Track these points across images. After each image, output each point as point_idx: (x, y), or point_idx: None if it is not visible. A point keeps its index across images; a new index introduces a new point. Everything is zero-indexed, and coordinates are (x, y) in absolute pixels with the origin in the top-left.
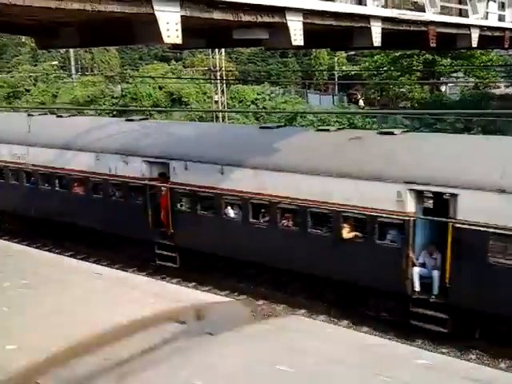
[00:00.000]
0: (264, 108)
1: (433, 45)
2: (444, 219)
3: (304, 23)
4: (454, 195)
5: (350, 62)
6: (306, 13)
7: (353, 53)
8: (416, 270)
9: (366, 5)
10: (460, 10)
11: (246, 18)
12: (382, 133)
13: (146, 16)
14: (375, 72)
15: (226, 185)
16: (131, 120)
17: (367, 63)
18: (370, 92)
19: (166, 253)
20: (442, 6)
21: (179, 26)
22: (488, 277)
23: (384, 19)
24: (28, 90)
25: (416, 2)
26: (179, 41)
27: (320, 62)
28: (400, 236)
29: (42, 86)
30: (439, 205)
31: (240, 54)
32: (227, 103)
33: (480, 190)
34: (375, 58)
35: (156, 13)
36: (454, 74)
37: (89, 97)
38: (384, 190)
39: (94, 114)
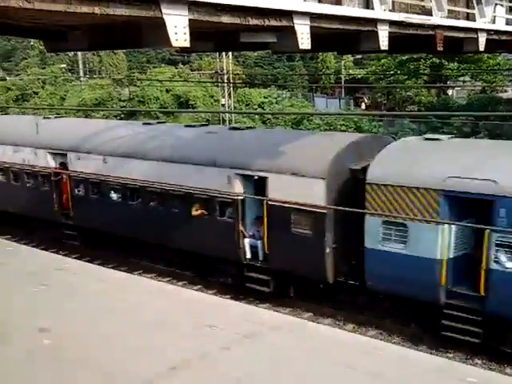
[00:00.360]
0: (271, 111)
1: (440, 49)
2: (260, 197)
3: (311, 27)
4: (265, 178)
5: (356, 66)
6: (314, 16)
7: (360, 56)
8: (246, 241)
9: (373, 9)
10: (467, 13)
11: (253, 21)
12: (232, 128)
13: (155, 19)
14: (382, 76)
15: (108, 172)
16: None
17: (374, 67)
18: (377, 96)
19: (70, 232)
20: (449, 10)
21: (187, 30)
22: (292, 244)
23: (391, 23)
24: (36, 93)
25: (423, 6)
26: (187, 44)
27: (327, 65)
28: (232, 213)
29: (50, 88)
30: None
31: (247, 58)
32: (234, 106)
33: (280, 173)
34: (382, 61)
35: (164, 16)
36: (461, 78)
37: (97, 99)
38: (219, 175)
39: (102, 117)
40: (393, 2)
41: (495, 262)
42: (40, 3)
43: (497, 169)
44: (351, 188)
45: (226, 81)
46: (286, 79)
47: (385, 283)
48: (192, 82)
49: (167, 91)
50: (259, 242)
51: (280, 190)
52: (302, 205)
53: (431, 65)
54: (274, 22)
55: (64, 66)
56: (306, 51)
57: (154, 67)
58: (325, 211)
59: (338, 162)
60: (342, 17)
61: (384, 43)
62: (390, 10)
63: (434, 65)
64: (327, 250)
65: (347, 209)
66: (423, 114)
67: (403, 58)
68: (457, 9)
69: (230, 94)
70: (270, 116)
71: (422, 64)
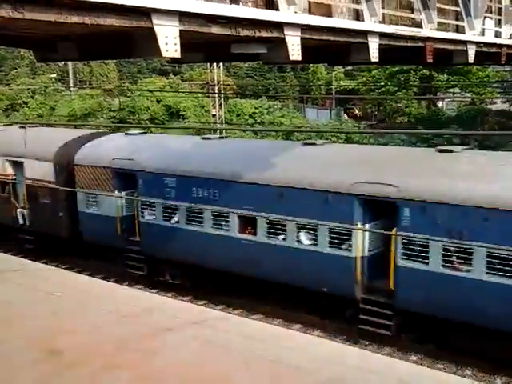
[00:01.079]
0: (262, 122)
1: (430, 60)
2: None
3: (302, 38)
4: (22, 162)
5: (347, 77)
6: (304, 28)
7: (350, 68)
8: (19, 211)
9: (363, 20)
10: (457, 26)
11: (244, 32)
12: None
13: (145, 30)
14: (372, 87)
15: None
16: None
17: (364, 78)
18: (367, 106)
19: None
20: (438, 22)
21: (178, 41)
22: (41, 211)
23: (382, 35)
24: (26, 103)
25: (413, 18)
26: (178, 55)
27: (317, 76)
28: (9, 190)
29: (40, 98)
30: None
31: (238, 69)
32: (225, 117)
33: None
34: (373, 72)
35: (155, 27)
36: (451, 90)
37: (86, 110)
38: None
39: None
40: (383, 14)
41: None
42: (30, 13)
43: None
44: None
45: (217, 91)
46: (277, 90)
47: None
48: (183, 92)
49: (158, 102)
50: (25, 211)
51: (32, 171)
52: (40, 181)
53: (421, 76)
54: (264, 34)
55: (54, 75)
56: (296, 62)
57: (144, 77)
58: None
59: (64, 150)
60: (333, 28)
61: (374, 55)
62: (380, 22)
63: (424, 76)
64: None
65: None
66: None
67: (393, 69)
68: (446, 21)
69: (220, 105)
70: (261, 127)
71: (412, 75)
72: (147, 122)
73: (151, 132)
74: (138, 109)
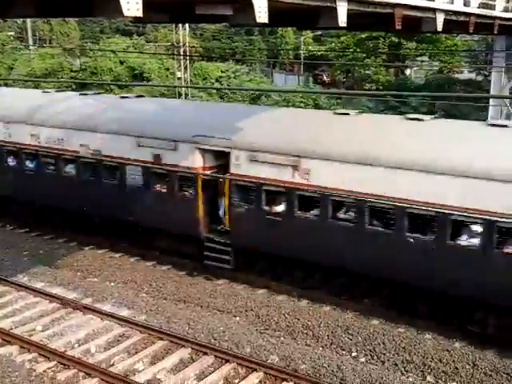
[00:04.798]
0: (228, 86)
1: (398, 27)
2: None
3: (269, 1)
4: None
5: (316, 42)
6: None
7: (319, 33)
8: None
9: None
10: None
11: None
12: None
13: None
14: (341, 53)
15: None
16: None
17: (333, 44)
18: (336, 73)
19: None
20: None
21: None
22: None
23: (350, 0)
24: None
25: None
26: (140, 14)
27: (286, 41)
28: None
29: None
30: None
31: (205, 31)
32: (190, 80)
33: None
34: (341, 38)
35: None
36: (419, 58)
37: (47, 69)
38: None
39: (52, 87)
40: None
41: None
42: None
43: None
44: None
45: (182, 54)
46: (245, 54)
47: None
48: (147, 53)
49: (121, 63)
50: None
51: None
52: None
53: (390, 44)
54: None
55: (12, 33)
56: (263, 25)
57: (107, 38)
58: None
59: None
60: None
61: (343, 20)
62: None
63: (393, 44)
64: None
65: None
66: (380, 94)
67: (362, 36)
68: None
69: (186, 68)
70: (227, 91)
71: (381, 43)
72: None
73: (114, 93)
74: (101, 70)
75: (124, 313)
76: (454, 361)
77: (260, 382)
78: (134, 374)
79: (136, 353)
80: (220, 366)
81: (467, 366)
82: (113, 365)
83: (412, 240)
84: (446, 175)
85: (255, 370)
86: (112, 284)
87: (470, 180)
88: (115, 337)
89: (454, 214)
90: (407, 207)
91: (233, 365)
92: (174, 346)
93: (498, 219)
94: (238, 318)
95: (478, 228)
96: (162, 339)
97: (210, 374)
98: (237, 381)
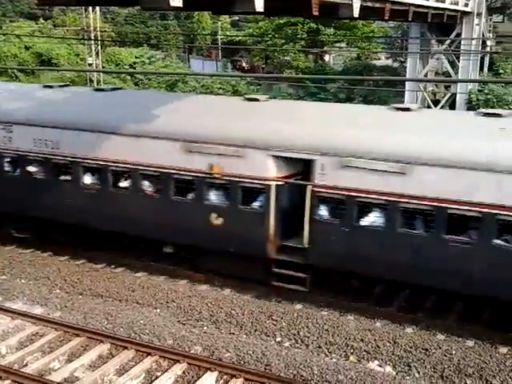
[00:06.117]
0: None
1: (315, 13)
2: None
3: None
4: None
5: (234, 28)
6: None
7: (237, 18)
8: None
9: None
10: None
11: None
12: None
13: None
14: (260, 39)
15: None
16: None
17: (251, 29)
18: (255, 59)
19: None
20: None
21: None
22: None
23: None
24: None
25: None
26: None
27: (203, 26)
28: None
29: None
30: None
31: (117, 15)
32: (102, 66)
33: None
34: (260, 24)
35: None
36: (338, 45)
37: None
38: None
39: None
40: None
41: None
42: None
43: None
44: None
45: (93, 38)
46: (160, 39)
47: None
48: (55, 38)
49: (27, 48)
50: None
51: None
52: None
53: (308, 30)
54: None
55: None
56: (177, 9)
57: (10, 21)
58: None
59: None
60: None
61: (259, 5)
62: None
63: (311, 30)
64: None
65: None
66: (300, 78)
67: (281, 21)
68: None
69: (97, 53)
70: (142, 77)
71: (300, 29)
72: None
73: (19, 81)
74: (4, 56)
75: (37, 310)
76: (375, 339)
77: (183, 372)
78: (50, 373)
79: (51, 351)
80: (141, 359)
81: (388, 344)
82: (26, 365)
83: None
84: None
85: (178, 361)
86: (23, 281)
87: None
88: (28, 336)
89: None
90: None
91: (155, 357)
92: (92, 342)
93: None
94: (158, 310)
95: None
96: (78, 336)
97: (131, 368)
98: (159, 373)
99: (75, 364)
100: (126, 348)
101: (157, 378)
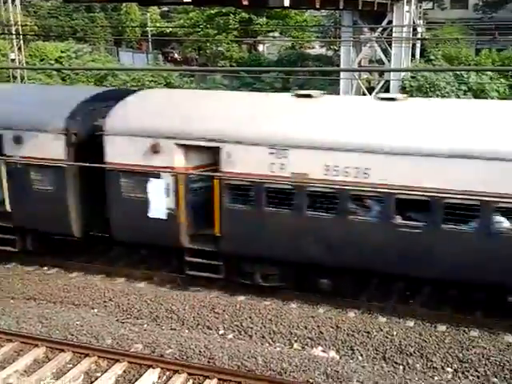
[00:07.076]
0: (70, 66)
1: (245, 3)
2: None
3: None
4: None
5: (163, 19)
6: None
7: (166, 9)
8: None
9: None
10: None
11: None
12: None
13: None
14: (191, 30)
15: None
16: None
17: (182, 20)
18: (187, 50)
19: None
20: None
21: None
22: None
23: None
24: None
25: None
26: None
27: (131, 17)
28: None
29: None
30: None
31: (39, 8)
32: (26, 62)
33: None
34: (190, 15)
35: None
36: (271, 34)
37: None
38: None
39: None
40: None
41: None
42: None
43: None
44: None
45: (14, 33)
46: (86, 32)
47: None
48: None
49: None
50: None
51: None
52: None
53: (241, 20)
54: None
55: None
56: (102, 1)
57: None
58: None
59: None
60: None
61: None
62: None
63: (244, 20)
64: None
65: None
66: (234, 70)
67: (212, 12)
68: None
69: (20, 48)
70: (69, 72)
71: (232, 19)
72: None
73: None
74: None
75: None
76: (318, 326)
77: (124, 372)
78: None
79: None
80: (79, 361)
81: (331, 329)
82: None
83: None
84: None
85: (118, 360)
86: None
87: None
88: None
89: None
90: None
91: (93, 358)
92: (27, 346)
93: None
94: (96, 310)
95: None
96: (11, 341)
97: (69, 370)
98: (99, 374)
99: (8, 370)
100: (62, 351)
101: (96, 378)
